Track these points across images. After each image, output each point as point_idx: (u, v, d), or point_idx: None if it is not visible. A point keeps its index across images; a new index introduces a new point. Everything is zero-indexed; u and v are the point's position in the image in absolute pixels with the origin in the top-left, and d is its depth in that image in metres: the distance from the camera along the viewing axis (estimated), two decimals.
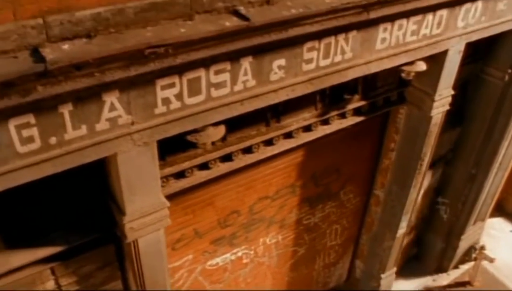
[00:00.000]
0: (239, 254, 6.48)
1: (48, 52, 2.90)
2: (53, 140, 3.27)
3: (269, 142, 5.23)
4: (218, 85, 3.79)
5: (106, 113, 3.38)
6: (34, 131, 3.17)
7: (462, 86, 7.11)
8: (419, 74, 5.61)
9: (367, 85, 5.85)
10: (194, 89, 3.68)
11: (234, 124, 4.69)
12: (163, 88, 3.53)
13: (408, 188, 7.01)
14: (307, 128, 5.51)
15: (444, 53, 5.62)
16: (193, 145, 4.37)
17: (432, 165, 7.53)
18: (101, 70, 3.08)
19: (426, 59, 5.48)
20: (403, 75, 5.52)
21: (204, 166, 4.85)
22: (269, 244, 6.81)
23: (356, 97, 5.83)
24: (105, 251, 4.52)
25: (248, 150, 5.08)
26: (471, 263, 9.79)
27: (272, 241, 6.80)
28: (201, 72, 3.64)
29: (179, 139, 4.01)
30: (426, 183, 7.82)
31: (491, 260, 9.48)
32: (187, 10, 3.36)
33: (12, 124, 3.06)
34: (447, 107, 6.32)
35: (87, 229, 4.28)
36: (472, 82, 7.46)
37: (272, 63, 4.00)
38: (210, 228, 5.80)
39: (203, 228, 5.72)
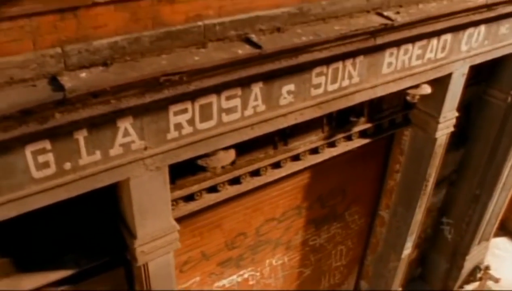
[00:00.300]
0: (246, 275, 6.48)
1: (67, 81, 2.97)
2: (67, 165, 3.31)
3: (276, 165, 5.28)
4: (229, 110, 3.86)
5: (120, 139, 3.44)
6: (50, 157, 3.22)
7: (465, 107, 7.18)
8: (423, 96, 5.68)
9: (372, 107, 5.92)
10: (205, 114, 3.75)
11: (243, 147, 4.73)
12: (176, 113, 3.59)
13: (413, 209, 7.04)
14: (314, 151, 5.56)
15: (449, 76, 5.70)
16: (203, 169, 4.41)
17: (436, 185, 7.56)
18: (117, 97, 3.14)
19: (430, 82, 5.56)
20: (408, 98, 5.60)
21: (212, 189, 4.89)
22: (275, 265, 6.81)
23: (362, 119, 5.90)
24: (115, 274, 4.53)
25: (256, 173, 5.12)
26: (476, 283, 9.75)
27: (278, 262, 6.80)
28: (213, 98, 3.71)
29: (188, 163, 4.06)
30: (429, 203, 7.84)
31: (496, 280, 9.45)
32: (200, 38, 3.44)
33: (28, 150, 3.11)
34: (452, 129, 6.39)
35: (97, 252, 4.30)
36: (475, 103, 7.54)
37: (281, 88, 4.07)
38: (217, 250, 5.81)
39: (210, 250, 5.73)
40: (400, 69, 4.98)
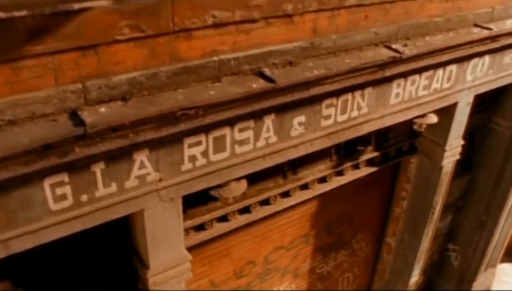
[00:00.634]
0: None
1: (87, 115, 3.04)
2: (84, 197, 3.36)
3: (285, 194, 5.33)
4: (241, 142, 3.92)
5: (135, 171, 3.50)
6: (67, 189, 3.27)
7: (470, 134, 7.25)
8: (430, 125, 5.76)
9: (379, 136, 5.99)
10: (219, 146, 3.81)
11: (253, 177, 4.78)
12: (190, 146, 3.66)
13: (420, 236, 7.05)
14: (322, 179, 5.62)
15: (454, 105, 5.79)
16: (214, 198, 4.45)
17: (442, 212, 7.56)
18: (134, 131, 3.21)
19: (436, 111, 5.64)
20: (415, 127, 5.67)
21: (223, 218, 4.92)
22: None
23: (369, 148, 5.96)
24: None
25: (265, 202, 5.16)
26: None
27: (286, 290, 6.77)
28: (227, 130, 3.77)
29: (200, 193, 4.10)
30: (435, 229, 7.84)
31: None
32: (215, 72, 3.52)
33: (47, 183, 3.17)
34: (458, 157, 6.45)
35: (109, 282, 4.31)
36: (479, 131, 7.61)
37: (292, 119, 4.15)
38: (226, 279, 5.80)
39: (219, 278, 5.73)
40: (407, 99, 5.06)
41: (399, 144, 6.32)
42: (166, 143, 3.51)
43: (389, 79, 4.67)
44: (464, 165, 7.76)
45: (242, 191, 4.33)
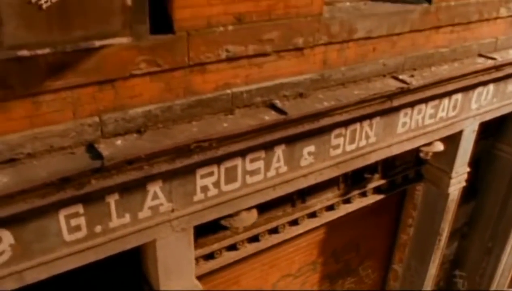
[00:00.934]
0: None
1: (104, 148, 3.09)
2: (98, 228, 3.39)
3: (294, 222, 5.34)
4: (252, 172, 3.97)
5: (149, 202, 3.53)
6: (82, 220, 3.30)
7: (475, 161, 7.29)
8: (436, 153, 5.81)
9: (386, 164, 6.03)
10: (230, 176, 3.85)
11: (262, 206, 4.80)
12: (203, 176, 3.70)
13: (427, 263, 7.02)
14: (330, 207, 5.64)
15: (460, 133, 5.85)
16: (223, 227, 4.48)
17: (448, 238, 7.56)
18: (149, 163, 3.26)
19: (442, 139, 5.70)
20: (421, 155, 5.73)
21: (232, 247, 4.93)
22: None
23: (376, 176, 6.00)
24: None
25: (274, 230, 5.17)
26: None
27: None
28: (238, 161, 3.82)
29: (210, 222, 4.12)
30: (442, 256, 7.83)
31: None
32: (228, 105, 3.59)
33: (62, 214, 3.20)
34: (464, 184, 6.48)
35: None
36: (484, 157, 7.65)
37: (302, 150, 4.20)
38: None
39: None
40: (414, 128, 5.13)
41: (406, 171, 6.35)
42: (179, 174, 3.55)
43: (397, 109, 4.74)
44: (469, 192, 7.78)
45: (253, 221, 4.35)
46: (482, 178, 7.88)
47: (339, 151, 4.50)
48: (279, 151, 4.03)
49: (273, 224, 5.10)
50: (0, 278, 3.09)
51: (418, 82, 4.58)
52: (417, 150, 5.72)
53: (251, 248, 5.04)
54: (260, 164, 3.98)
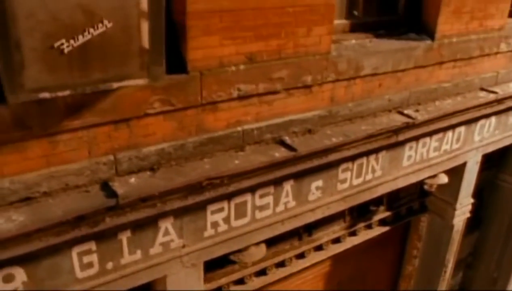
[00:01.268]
0: None
1: (118, 186, 3.14)
2: (110, 265, 3.41)
3: (300, 255, 5.34)
4: (262, 208, 4.00)
5: (160, 238, 3.56)
6: (94, 257, 3.32)
7: (479, 191, 7.33)
8: (440, 185, 5.85)
9: (391, 196, 6.06)
10: (240, 212, 3.89)
11: (270, 240, 4.82)
12: (213, 212, 3.74)
13: None
14: (336, 240, 5.64)
15: (463, 165, 5.92)
16: (231, 261, 4.48)
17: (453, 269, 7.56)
18: (162, 201, 3.30)
19: (446, 171, 5.75)
20: (425, 187, 5.76)
21: (240, 281, 4.92)
22: None
23: (382, 208, 6.02)
24: None
25: (281, 264, 5.17)
26: None
27: None
28: (248, 197, 3.86)
29: (218, 257, 4.14)
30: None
31: None
32: (239, 142, 3.65)
33: (75, 251, 3.22)
34: (468, 215, 6.52)
35: None
36: (487, 188, 7.70)
37: (310, 184, 4.24)
38: None
39: None
40: (419, 161, 5.19)
41: (410, 203, 6.39)
42: (190, 210, 3.59)
43: (402, 143, 4.81)
44: (473, 222, 7.79)
45: (262, 255, 4.37)
46: (486, 208, 7.91)
47: (346, 185, 4.55)
48: (288, 186, 4.07)
49: (280, 258, 5.10)
50: None
51: (423, 116, 4.66)
52: (421, 182, 5.76)
53: (258, 282, 5.02)
54: (269, 199, 4.02)
